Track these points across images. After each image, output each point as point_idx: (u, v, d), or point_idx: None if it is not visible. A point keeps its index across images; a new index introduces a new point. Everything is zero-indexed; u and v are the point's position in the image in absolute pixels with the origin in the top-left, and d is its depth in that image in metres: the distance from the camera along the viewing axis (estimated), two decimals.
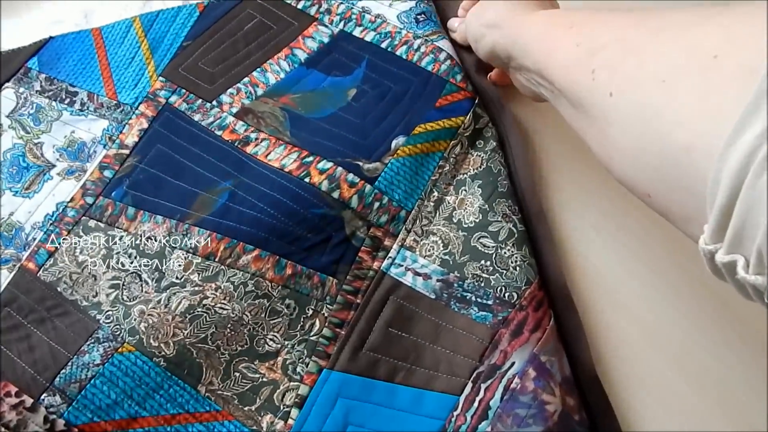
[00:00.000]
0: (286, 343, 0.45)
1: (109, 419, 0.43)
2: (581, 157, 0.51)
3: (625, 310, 0.47)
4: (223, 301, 0.45)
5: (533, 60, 0.39)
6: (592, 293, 0.47)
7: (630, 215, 0.49)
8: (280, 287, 0.46)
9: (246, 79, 0.53)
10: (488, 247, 0.46)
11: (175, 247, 0.47)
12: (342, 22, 0.55)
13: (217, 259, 0.46)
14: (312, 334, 0.45)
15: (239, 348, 0.45)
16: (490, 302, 0.45)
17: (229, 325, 0.45)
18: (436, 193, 0.49)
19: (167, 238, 0.47)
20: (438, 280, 0.46)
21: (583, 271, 0.48)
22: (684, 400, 0.44)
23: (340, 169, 0.48)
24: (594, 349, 0.45)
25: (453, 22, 0.54)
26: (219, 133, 0.51)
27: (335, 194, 0.48)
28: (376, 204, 0.48)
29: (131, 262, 0.47)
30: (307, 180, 0.48)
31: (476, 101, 0.50)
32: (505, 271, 0.45)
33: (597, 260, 0.48)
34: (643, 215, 0.50)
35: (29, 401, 0.43)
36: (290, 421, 0.43)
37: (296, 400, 0.44)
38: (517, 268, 0.45)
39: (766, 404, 0.44)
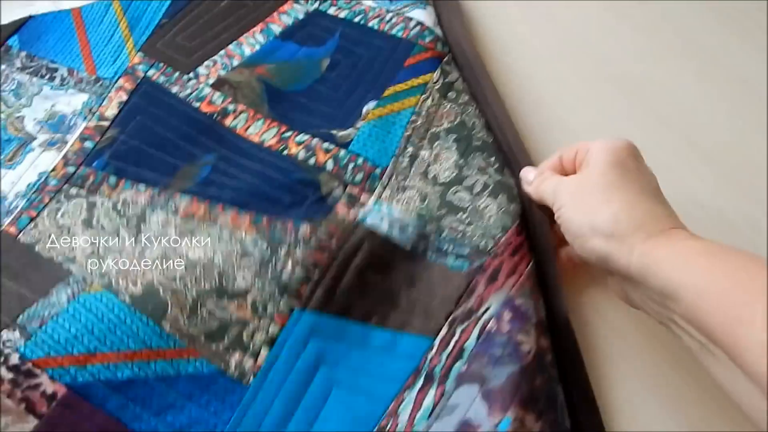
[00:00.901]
0: (257, 281, 0.44)
1: (66, 354, 0.41)
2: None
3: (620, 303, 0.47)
4: (196, 246, 0.46)
5: (686, 308, 0.34)
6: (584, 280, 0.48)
7: None
8: (254, 233, 0.46)
9: (222, 52, 0.54)
10: (464, 200, 0.47)
11: (156, 208, 0.48)
12: (317, 2, 0.57)
13: (195, 218, 0.47)
14: (284, 274, 0.45)
15: (208, 287, 0.44)
16: (465, 252, 0.45)
17: (198, 266, 0.45)
18: (410, 149, 0.50)
19: (149, 204, 0.48)
20: (414, 232, 0.46)
21: None
22: (684, 399, 0.44)
23: (315, 139, 0.50)
24: (593, 347, 0.46)
25: (527, 174, 0.47)
26: (197, 105, 0.52)
27: (311, 161, 0.49)
28: (351, 165, 0.49)
29: (110, 223, 0.47)
30: (285, 152, 0.50)
31: (444, 59, 0.52)
32: (480, 221, 0.46)
33: None
34: None
35: None
36: (260, 361, 0.43)
37: (266, 339, 0.43)
38: (492, 218, 0.46)
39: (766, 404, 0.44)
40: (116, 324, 0.42)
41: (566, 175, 0.44)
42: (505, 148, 0.50)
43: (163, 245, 0.46)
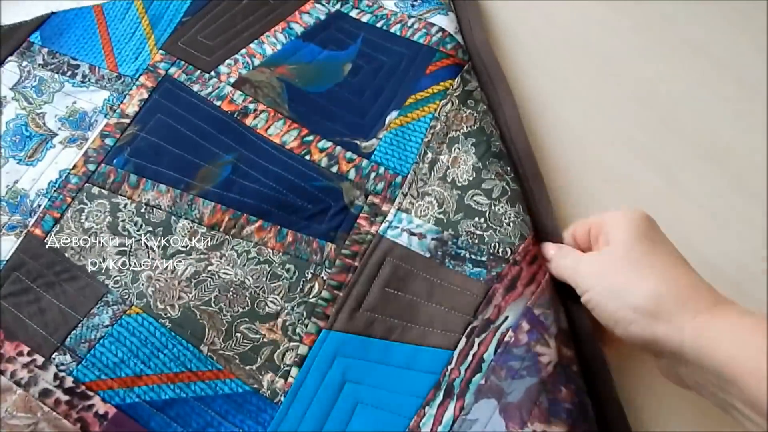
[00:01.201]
0: (286, 305, 0.46)
1: (116, 377, 0.44)
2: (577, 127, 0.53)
3: None
4: (226, 267, 0.47)
5: (748, 393, 0.32)
6: None
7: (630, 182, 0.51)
8: (281, 254, 0.47)
9: (243, 51, 0.54)
10: (482, 204, 0.47)
11: (180, 216, 0.48)
12: (339, 3, 0.57)
13: (221, 229, 0.48)
14: (311, 296, 0.47)
15: (241, 310, 0.46)
16: (483, 258, 0.46)
17: (231, 289, 0.47)
18: (429, 155, 0.50)
19: (172, 207, 0.49)
20: (432, 239, 0.47)
21: None
22: (685, 399, 0.44)
23: (339, 148, 0.51)
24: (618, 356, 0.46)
25: (547, 250, 0.45)
26: (218, 103, 0.52)
27: (334, 169, 0.50)
28: (373, 174, 0.50)
29: (137, 230, 0.48)
30: (307, 158, 0.50)
31: (465, 67, 0.52)
32: (498, 228, 0.46)
33: None
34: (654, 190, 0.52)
35: (40, 360, 0.44)
36: (290, 379, 0.44)
37: (296, 359, 0.45)
38: (511, 224, 0.46)
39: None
40: (159, 348, 0.45)
41: (582, 251, 0.43)
42: (515, 159, 0.50)
43: (194, 264, 0.47)
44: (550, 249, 0.45)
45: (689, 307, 0.35)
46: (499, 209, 0.47)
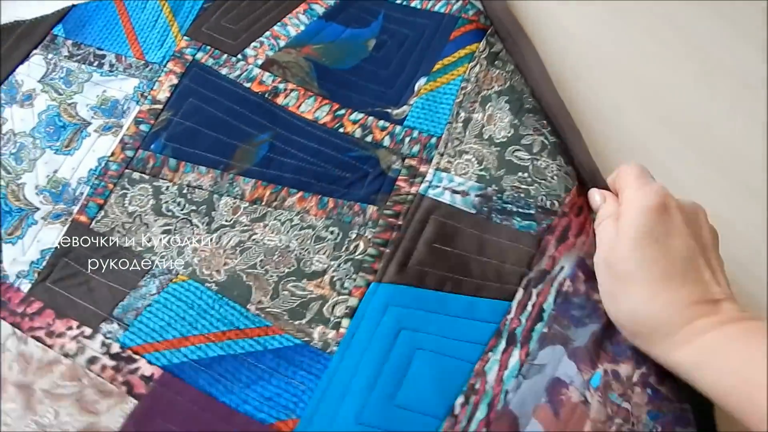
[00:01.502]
0: (332, 263, 0.47)
1: (162, 339, 0.44)
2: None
3: None
4: (270, 235, 0.48)
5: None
6: None
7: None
8: (324, 218, 0.48)
9: (267, 33, 0.55)
10: (523, 159, 0.48)
11: (222, 194, 0.49)
12: None
13: (263, 203, 0.49)
14: (357, 253, 0.47)
15: (287, 270, 0.47)
16: (532, 211, 0.47)
17: (276, 253, 0.47)
18: (462, 114, 0.51)
19: (213, 186, 0.49)
20: (477, 195, 0.48)
21: None
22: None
23: (371, 118, 0.51)
24: None
25: (594, 199, 0.46)
26: (248, 85, 0.53)
27: (368, 138, 0.51)
28: (407, 138, 0.51)
29: (181, 209, 0.48)
30: (341, 130, 0.51)
31: (488, 31, 0.54)
32: (543, 181, 0.47)
33: None
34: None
35: (88, 331, 0.44)
36: (342, 330, 0.44)
37: (346, 311, 0.45)
38: (555, 177, 0.47)
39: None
40: (205, 309, 0.45)
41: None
42: (548, 113, 0.51)
43: (239, 234, 0.48)
44: (595, 196, 0.46)
45: (662, 332, 0.38)
46: (541, 164, 0.48)
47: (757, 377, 0.34)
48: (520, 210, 0.47)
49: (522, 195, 0.47)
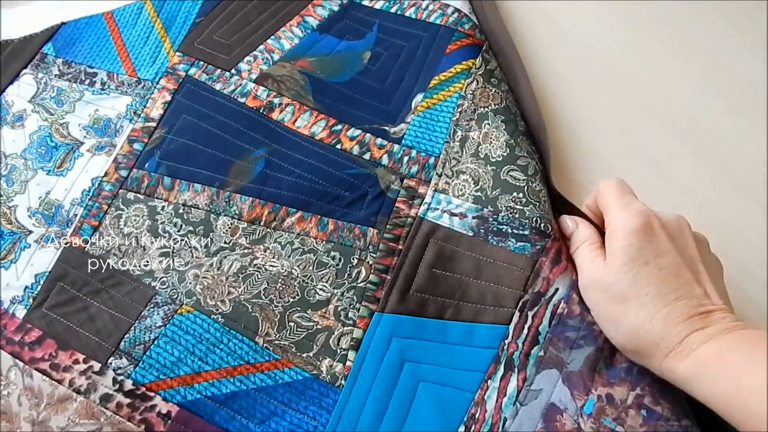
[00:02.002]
0: (336, 291, 0.47)
1: (175, 375, 0.44)
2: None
3: None
4: (272, 260, 0.47)
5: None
6: None
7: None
8: (324, 242, 0.48)
9: (261, 47, 0.54)
10: (519, 179, 0.48)
11: (220, 214, 0.48)
12: None
13: (262, 223, 0.48)
14: (359, 281, 0.47)
15: (291, 299, 0.46)
16: (526, 232, 0.47)
17: (279, 280, 0.47)
18: (459, 132, 0.51)
19: (209, 205, 0.49)
20: (473, 217, 0.48)
21: None
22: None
23: (368, 135, 0.51)
24: None
25: (565, 225, 0.47)
26: (242, 100, 0.52)
27: (366, 156, 0.50)
28: (406, 158, 0.50)
29: (178, 231, 0.48)
30: (338, 147, 0.51)
31: (483, 47, 0.53)
32: (537, 203, 0.47)
33: None
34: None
35: (97, 366, 0.44)
36: (348, 363, 0.45)
37: (352, 343, 0.45)
38: (547, 202, 0.48)
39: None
40: (214, 344, 0.45)
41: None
42: (533, 135, 0.52)
43: (240, 258, 0.47)
44: (569, 223, 0.46)
45: (662, 347, 0.38)
46: (535, 186, 0.48)
47: (751, 384, 0.35)
48: (515, 231, 0.47)
49: (517, 216, 0.47)
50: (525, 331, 0.44)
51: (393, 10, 0.56)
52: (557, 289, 0.45)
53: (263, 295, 0.46)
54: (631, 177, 0.45)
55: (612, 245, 0.41)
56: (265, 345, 0.45)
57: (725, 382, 0.36)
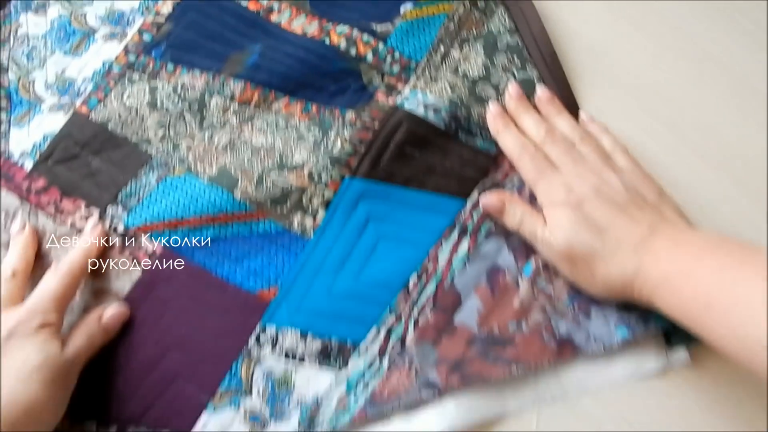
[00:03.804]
0: (312, 156, 0.52)
1: (160, 221, 0.49)
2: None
3: None
4: (258, 135, 0.52)
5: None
6: None
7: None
8: (307, 120, 0.53)
9: None
10: (491, 96, 0.54)
11: (213, 94, 0.53)
12: None
13: (252, 105, 0.53)
14: (335, 151, 0.51)
15: (270, 164, 0.51)
16: (492, 137, 0.52)
17: (262, 151, 0.52)
18: (442, 48, 0.55)
19: (205, 87, 0.54)
20: (447, 114, 0.52)
21: None
22: (685, 397, 0.46)
23: (356, 30, 0.55)
24: None
25: (494, 202, 0.48)
26: (244, 4, 0.57)
27: (352, 51, 0.55)
28: (389, 57, 0.55)
29: (174, 106, 0.53)
30: (327, 41, 0.55)
31: None
32: None
33: None
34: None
35: (96, 211, 0.50)
36: (318, 220, 0.50)
37: (322, 202, 0.50)
38: None
39: (766, 403, 0.45)
40: (199, 196, 0.50)
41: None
42: (530, 47, 0.55)
43: (229, 134, 0.52)
44: (495, 203, 0.48)
45: (634, 286, 0.42)
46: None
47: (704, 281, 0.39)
48: (483, 133, 0.52)
49: (486, 123, 0.52)
50: (480, 207, 0.50)
51: None
52: (513, 180, 0.51)
53: (246, 161, 0.52)
54: None
55: (550, 224, 0.45)
56: (243, 199, 0.50)
57: (686, 291, 0.39)
